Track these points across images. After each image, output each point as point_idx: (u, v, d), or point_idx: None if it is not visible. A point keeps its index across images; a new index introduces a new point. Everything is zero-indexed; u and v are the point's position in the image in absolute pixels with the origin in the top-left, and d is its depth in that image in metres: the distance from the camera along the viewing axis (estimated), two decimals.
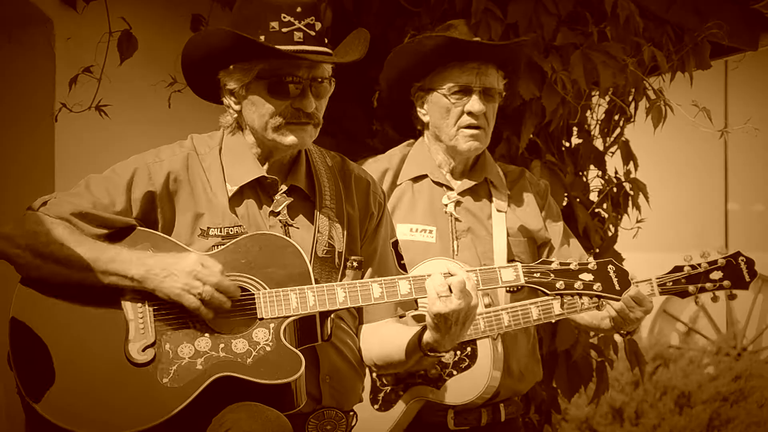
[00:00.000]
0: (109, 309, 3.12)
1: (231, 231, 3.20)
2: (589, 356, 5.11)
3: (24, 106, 4.86)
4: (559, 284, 3.22)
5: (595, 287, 3.22)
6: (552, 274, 3.22)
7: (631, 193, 5.17)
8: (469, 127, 4.01)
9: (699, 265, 3.77)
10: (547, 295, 3.22)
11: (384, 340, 3.36)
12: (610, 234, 5.19)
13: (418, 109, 4.11)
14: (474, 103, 3.99)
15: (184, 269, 3.08)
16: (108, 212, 3.19)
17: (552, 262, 3.23)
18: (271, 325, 3.10)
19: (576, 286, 3.21)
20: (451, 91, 4.01)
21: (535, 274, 3.22)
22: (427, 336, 3.21)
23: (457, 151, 4.05)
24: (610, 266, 3.23)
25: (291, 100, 3.20)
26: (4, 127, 4.92)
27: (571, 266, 3.23)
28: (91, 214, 3.18)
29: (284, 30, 3.17)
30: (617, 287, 3.23)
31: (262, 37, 3.16)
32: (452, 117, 4.02)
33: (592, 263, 3.23)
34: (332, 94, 3.29)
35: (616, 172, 5.20)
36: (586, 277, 3.22)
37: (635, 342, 5.20)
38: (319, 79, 3.22)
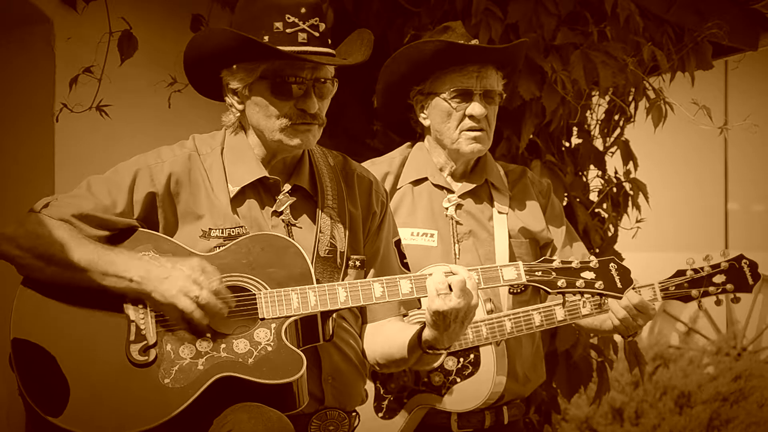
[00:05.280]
0: (111, 310, 3.11)
1: (233, 232, 3.20)
2: (589, 356, 5.11)
3: (24, 106, 4.86)
4: (561, 282, 3.22)
5: (596, 285, 3.22)
6: (553, 273, 3.22)
7: (631, 193, 5.17)
8: (471, 129, 4.01)
9: (702, 269, 3.76)
10: (549, 293, 3.22)
11: (386, 338, 3.37)
12: (610, 234, 5.19)
13: (418, 113, 4.09)
14: (475, 107, 3.98)
15: (183, 273, 3.07)
16: (109, 214, 3.18)
17: (553, 260, 3.23)
18: (273, 325, 3.10)
19: (578, 284, 3.21)
20: (452, 95, 4.00)
21: (536, 273, 3.22)
22: (426, 333, 3.21)
23: (460, 153, 4.04)
24: (611, 264, 3.24)
25: (294, 101, 3.20)
26: (4, 127, 4.92)
27: (573, 264, 3.23)
28: (92, 215, 3.17)
29: (288, 31, 3.16)
30: (619, 285, 3.23)
31: (266, 38, 3.15)
32: (454, 121, 4.01)
33: (594, 261, 3.24)
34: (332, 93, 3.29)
35: (616, 172, 5.20)
36: (588, 275, 3.23)
37: (635, 342, 5.20)
38: (322, 80, 3.21)
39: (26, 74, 4.83)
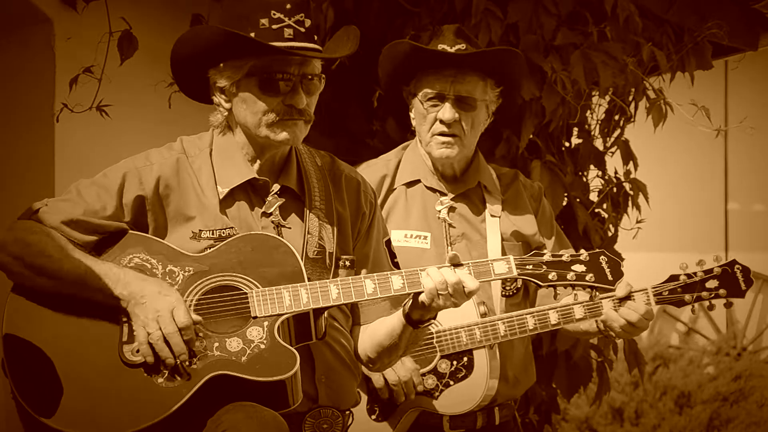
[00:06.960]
0: (104, 311, 3.11)
1: (223, 233, 3.20)
2: (589, 357, 5.11)
3: (24, 106, 4.86)
4: (552, 276, 3.23)
5: (587, 278, 3.23)
6: (544, 266, 3.23)
7: (631, 193, 5.17)
8: (441, 134, 3.99)
9: (695, 273, 3.77)
10: (540, 286, 3.23)
11: (372, 330, 3.38)
12: (610, 234, 5.19)
13: (409, 112, 4.10)
14: (445, 111, 3.94)
15: (155, 307, 3.06)
16: (99, 217, 3.18)
17: (544, 254, 3.24)
18: (265, 324, 3.10)
19: (568, 277, 3.23)
20: (426, 98, 3.97)
21: (527, 267, 3.23)
22: (416, 314, 3.25)
23: (432, 157, 4.04)
24: (602, 257, 3.25)
25: (282, 97, 3.20)
26: (4, 127, 4.93)
27: (563, 258, 3.24)
28: (82, 221, 3.18)
29: (274, 27, 3.18)
30: (610, 277, 3.24)
31: (252, 34, 3.16)
32: (427, 123, 3.98)
33: (584, 254, 3.25)
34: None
35: (616, 172, 5.20)
36: (579, 268, 3.24)
37: (635, 342, 5.20)
38: (310, 76, 3.22)
39: (26, 74, 4.84)
